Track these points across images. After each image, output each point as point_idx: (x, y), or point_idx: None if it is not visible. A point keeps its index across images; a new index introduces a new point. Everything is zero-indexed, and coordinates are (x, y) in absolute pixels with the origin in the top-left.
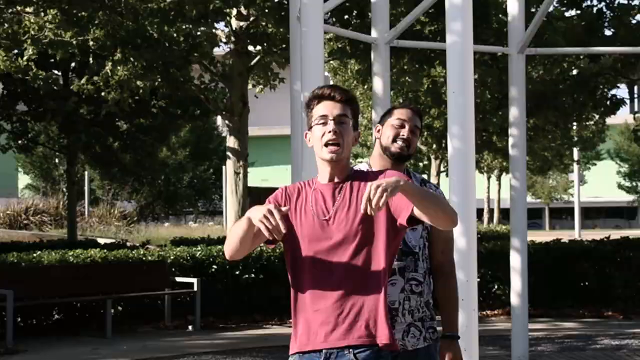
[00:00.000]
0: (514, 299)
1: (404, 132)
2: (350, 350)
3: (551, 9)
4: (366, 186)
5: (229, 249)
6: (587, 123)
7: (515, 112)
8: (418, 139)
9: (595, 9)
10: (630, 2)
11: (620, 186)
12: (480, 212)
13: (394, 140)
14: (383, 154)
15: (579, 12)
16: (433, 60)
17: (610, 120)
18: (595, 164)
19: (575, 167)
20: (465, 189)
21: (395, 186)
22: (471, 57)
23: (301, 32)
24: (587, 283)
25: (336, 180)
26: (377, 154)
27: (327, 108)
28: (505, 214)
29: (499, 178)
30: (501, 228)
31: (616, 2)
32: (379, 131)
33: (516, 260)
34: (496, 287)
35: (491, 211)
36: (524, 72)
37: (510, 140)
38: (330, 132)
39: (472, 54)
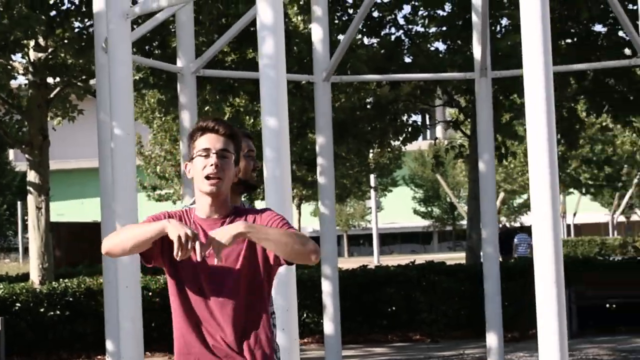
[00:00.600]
0: (328, 326)
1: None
2: None
3: None
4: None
5: (114, 242)
6: (387, 150)
7: (322, 140)
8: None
9: (394, 37)
10: (427, 30)
11: (415, 212)
12: None
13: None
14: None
15: (378, 40)
16: (237, 90)
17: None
18: (391, 191)
19: (372, 193)
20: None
21: (233, 235)
22: (284, 81)
23: (109, 62)
24: (394, 308)
25: (216, 216)
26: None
27: (210, 141)
28: None
29: (298, 207)
30: None
31: (414, 30)
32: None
33: (328, 287)
34: (305, 315)
35: None
36: (330, 100)
37: (319, 169)
38: (212, 165)
39: (285, 78)
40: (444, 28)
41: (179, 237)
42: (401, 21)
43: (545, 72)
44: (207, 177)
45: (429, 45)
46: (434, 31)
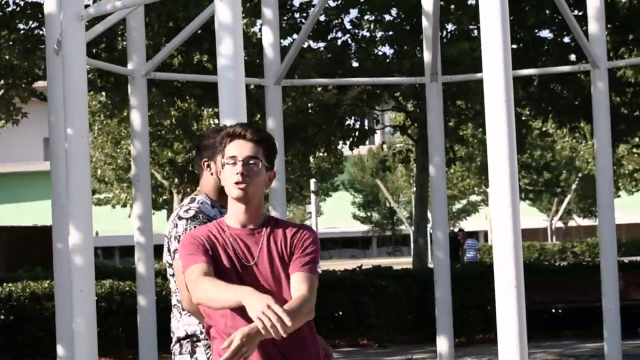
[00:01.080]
0: None
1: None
2: None
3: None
4: (285, 237)
5: (203, 298)
6: (330, 154)
7: None
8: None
9: (340, 41)
10: (374, 35)
11: (355, 216)
12: None
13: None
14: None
15: (325, 44)
16: (185, 93)
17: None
18: (331, 195)
19: (313, 198)
20: None
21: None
22: (243, 83)
23: (63, 64)
24: (341, 313)
25: (252, 226)
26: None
27: (237, 148)
28: None
29: None
30: None
31: (360, 34)
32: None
33: None
34: None
35: None
36: (281, 104)
37: None
38: (237, 174)
39: (243, 80)
40: (391, 33)
41: (261, 320)
42: (348, 25)
43: (505, 77)
44: (234, 183)
45: (376, 50)
46: (381, 36)
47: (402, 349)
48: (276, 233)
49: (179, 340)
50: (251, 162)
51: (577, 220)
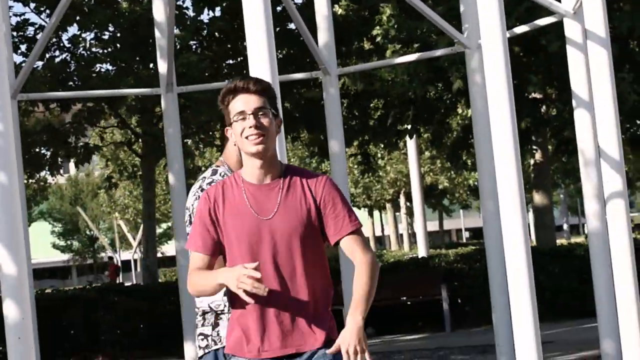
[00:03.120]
0: None
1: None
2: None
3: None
4: (304, 189)
5: (194, 291)
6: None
7: None
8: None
9: (58, 59)
10: (94, 51)
11: (55, 246)
12: None
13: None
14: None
15: (43, 62)
16: None
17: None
18: (29, 225)
19: None
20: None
21: (361, 334)
22: None
23: None
24: (73, 332)
25: (269, 180)
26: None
27: (244, 102)
28: None
29: None
30: None
31: (78, 52)
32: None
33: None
34: None
35: None
36: (18, 119)
37: None
38: (250, 127)
39: None
40: (110, 49)
41: (240, 288)
42: (67, 43)
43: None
44: (248, 138)
45: (98, 66)
46: (102, 52)
47: None
48: (294, 185)
49: (203, 313)
50: (260, 113)
51: None
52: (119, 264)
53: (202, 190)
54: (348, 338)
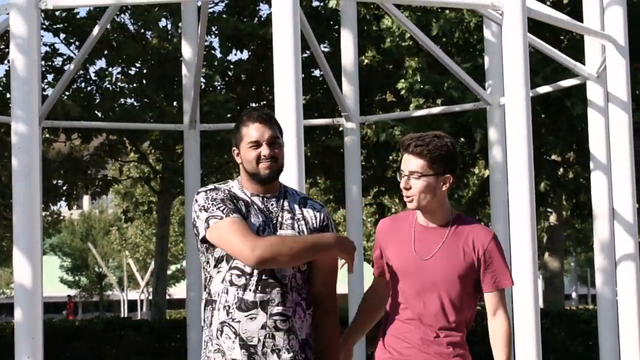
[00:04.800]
0: None
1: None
2: None
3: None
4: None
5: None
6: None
7: None
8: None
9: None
10: (119, 85)
11: (62, 281)
12: None
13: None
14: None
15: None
16: None
17: None
18: None
19: None
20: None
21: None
22: None
23: None
24: None
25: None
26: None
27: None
28: None
29: None
30: None
31: (104, 86)
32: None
33: None
34: None
35: None
36: (41, 144)
37: None
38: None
39: None
40: (135, 84)
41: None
42: (93, 76)
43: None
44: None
45: (123, 101)
46: (128, 87)
47: None
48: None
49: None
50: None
51: None
52: (75, 300)
53: (199, 192)
54: None
